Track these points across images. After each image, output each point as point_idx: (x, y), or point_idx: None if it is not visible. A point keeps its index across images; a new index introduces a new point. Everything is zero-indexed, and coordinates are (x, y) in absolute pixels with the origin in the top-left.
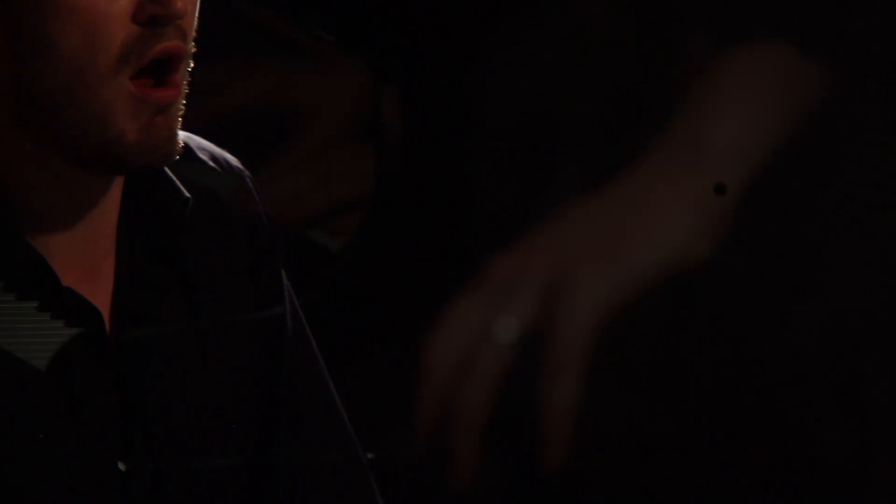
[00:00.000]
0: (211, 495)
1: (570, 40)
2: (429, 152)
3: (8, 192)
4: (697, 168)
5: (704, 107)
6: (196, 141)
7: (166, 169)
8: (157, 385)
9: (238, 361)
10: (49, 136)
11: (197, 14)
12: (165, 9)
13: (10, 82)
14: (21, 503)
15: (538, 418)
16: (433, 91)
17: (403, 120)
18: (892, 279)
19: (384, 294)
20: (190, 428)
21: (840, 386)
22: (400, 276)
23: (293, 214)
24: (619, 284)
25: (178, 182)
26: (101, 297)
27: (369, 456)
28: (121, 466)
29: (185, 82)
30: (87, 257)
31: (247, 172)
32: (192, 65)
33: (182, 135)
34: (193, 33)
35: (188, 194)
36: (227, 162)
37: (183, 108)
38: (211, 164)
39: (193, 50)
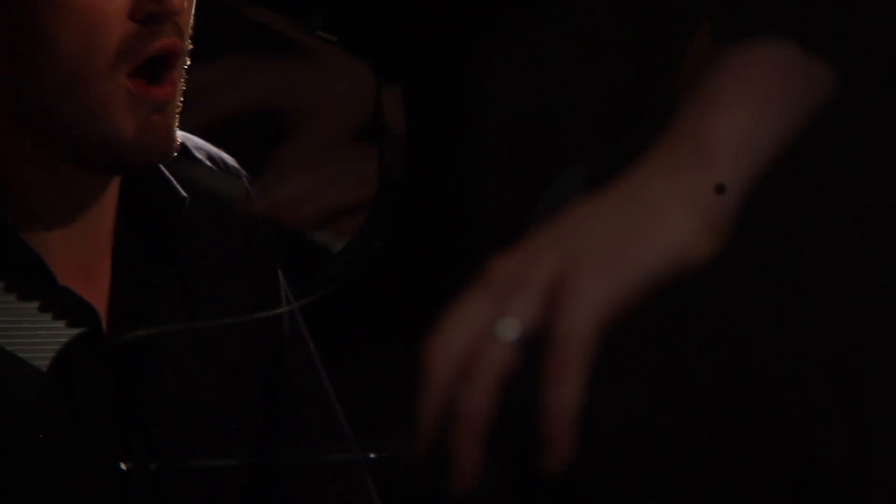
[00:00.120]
0: (209, 495)
1: (570, 40)
2: (429, 152)
3: (5, 192)
4: (700, 167)
5: (706, 106)
6: (193, 141)
7: (163, 168)
8: (154, 384)
9: (235, 361)
10: (49, 136)
11: (193, 11)
12: (162, 6)
13: (10, 82)
14: (19, 503)
15: (540, 418)
16: (433, 91)
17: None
18: (892, 279)
19: (384, 294)
20: (188, 427)
21: (840, 386)
22: (400, 275)
23: (296, 215)
24: (622, 284)
25: (174, 181)
26: (98, 296)
27: (372, 455)
28: (122, 466)
29: (181, 80)
30: (84, 257)
31: (244, 172)
32: (189, 62)
33: (179, 134)
34: (190, 31)
35: (185, 194)
36: (223, 162)
37: (180, 106)
38: (208, 163)
39: (190, 47)
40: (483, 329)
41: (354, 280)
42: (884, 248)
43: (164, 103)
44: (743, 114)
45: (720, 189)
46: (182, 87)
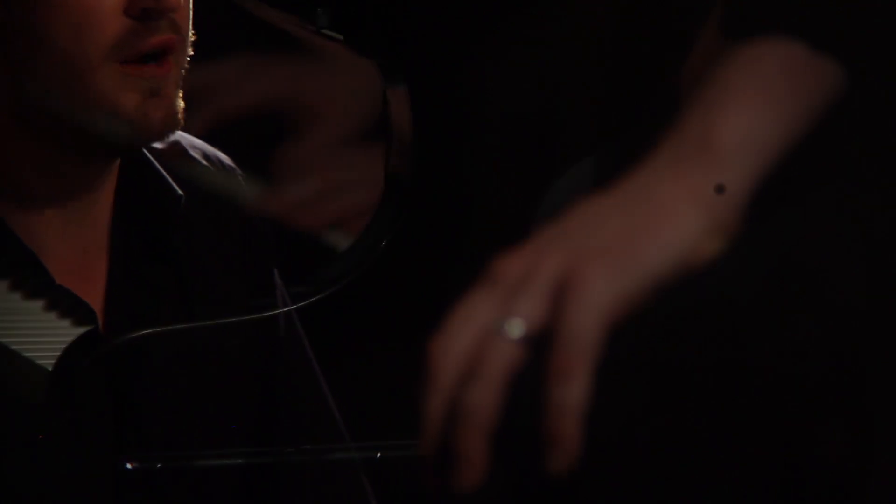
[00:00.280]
0: (206, 494)
1: (570, 40)
2: (432, 151)
3: (2, 192)
4: (706, 166)
5: (712, 105)
6: (188, 139)
7: (159, 166)
8: (151, 383)
9: (231, 359)
10: (48, 133)
11: (191, 7)
12: (158, 3)
13: (9, 82)
14: (17, 502)
15: (546, 418)
16: (433, 91)
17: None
18: (892, 279)
19: (388, 293)
20: (184, 426)
21: (840, 386)
22: (404, 274)
23: (307, 219)
24: (628, 283)
25: (170, 179)
26: (94, 295)
27: (377, 455)
28: (121, 465)
29: (180, 69)
30: (80, 256)
31: (239, 171)
32: (190, 53)
33: (178, 134)
34: (189, 26)
35: (181, 192)
36: (219, 160)
37: (179, 93)
38: (203, 162)
39: (193, 38)
40: (488, 328)
41: (358, 279)
42: (884, 248)
43: (159, 87)
44: (750, 112)
45: (720, 189)
46: (180, 72)
